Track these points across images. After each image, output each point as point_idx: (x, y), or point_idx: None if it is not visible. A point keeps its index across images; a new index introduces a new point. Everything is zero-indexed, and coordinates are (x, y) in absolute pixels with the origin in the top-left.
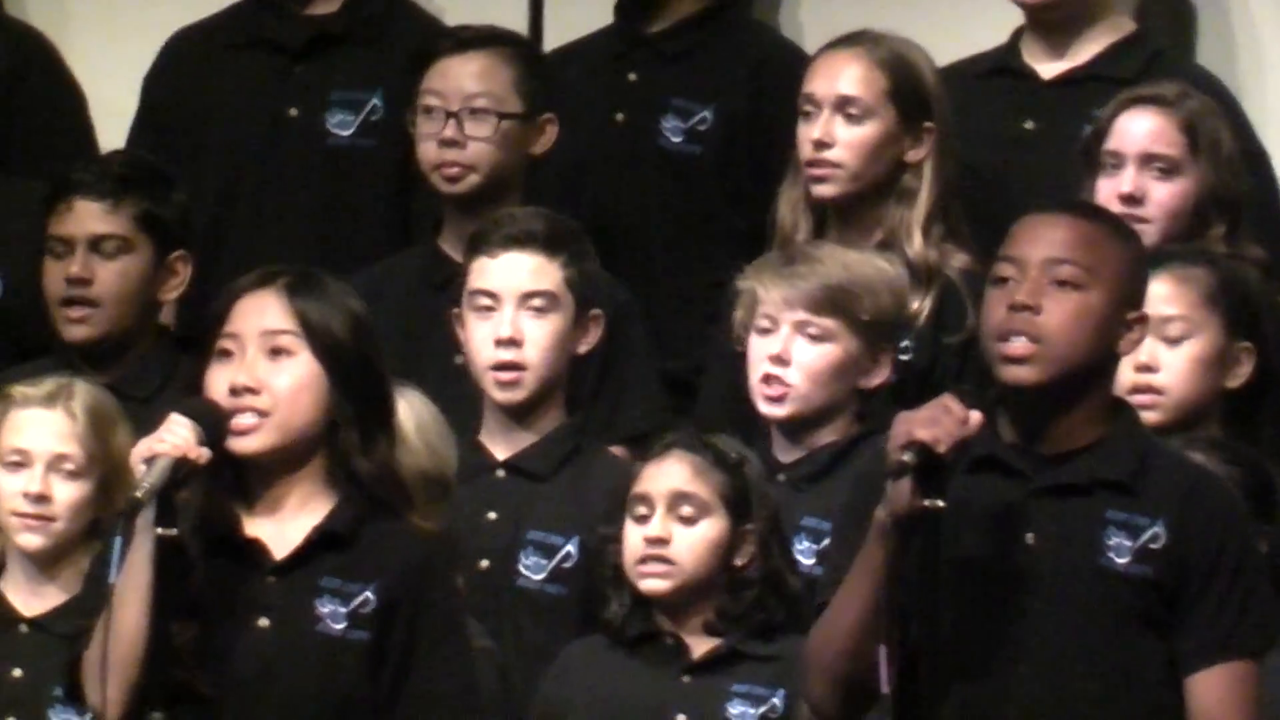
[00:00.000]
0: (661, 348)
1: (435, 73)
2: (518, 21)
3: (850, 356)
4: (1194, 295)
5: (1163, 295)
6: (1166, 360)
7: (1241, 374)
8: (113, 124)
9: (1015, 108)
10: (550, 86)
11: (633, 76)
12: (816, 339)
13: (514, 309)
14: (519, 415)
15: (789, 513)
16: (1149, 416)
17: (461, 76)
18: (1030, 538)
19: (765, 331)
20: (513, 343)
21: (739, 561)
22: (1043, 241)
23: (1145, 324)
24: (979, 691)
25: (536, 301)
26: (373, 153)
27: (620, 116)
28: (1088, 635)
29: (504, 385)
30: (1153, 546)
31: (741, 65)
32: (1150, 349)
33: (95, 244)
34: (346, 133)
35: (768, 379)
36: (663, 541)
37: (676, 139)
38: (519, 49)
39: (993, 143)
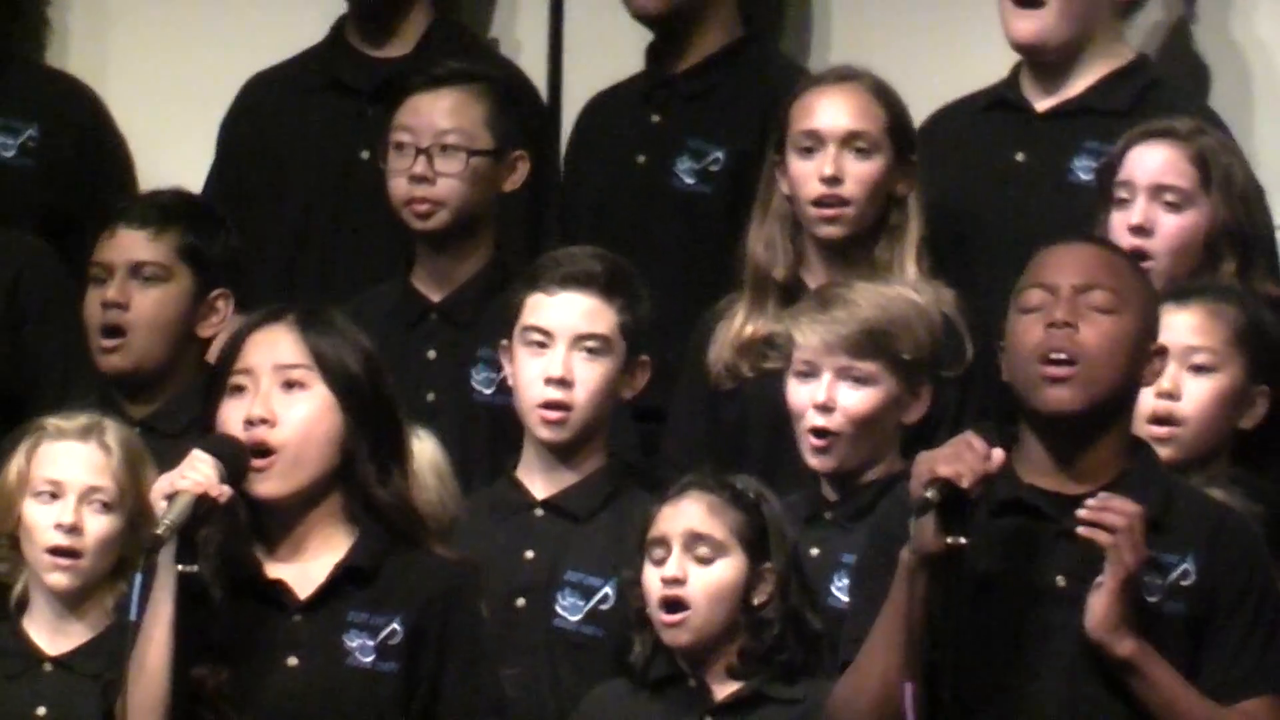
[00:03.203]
0: (668, 382)
1: (407, 109)
2: (538, 63)
3: (892, 396)
4: (1224, 331)
5: (1193, 326)
6: (1190, 390)
7: (1256, 415)
8: (149, 168)
9: (1007, 140)
10: (535, 120)
11: (656, 118)
12: (860, 382)
13: (567, 349)
14: (562, 455)
15: (833, 550)
16: (1164, 450)
17: (433, 113)
18: (1060, 580)
19: (805, 376)
20: (564, 383)
21: (758, 600)
22: (1071, 268)
23: (1165, 357)
24: None
25: (590, 344)
26: None
27: (641, 158)
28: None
29: (550, 424)
30: (1183, 584)
31: (753, 104)
32: (1174, 376)
33: (134, 270)
34: None
35: (817, 433)
36: (678, 582)
37: (689, 180)
38: (492, 86)
39: (983, 175)
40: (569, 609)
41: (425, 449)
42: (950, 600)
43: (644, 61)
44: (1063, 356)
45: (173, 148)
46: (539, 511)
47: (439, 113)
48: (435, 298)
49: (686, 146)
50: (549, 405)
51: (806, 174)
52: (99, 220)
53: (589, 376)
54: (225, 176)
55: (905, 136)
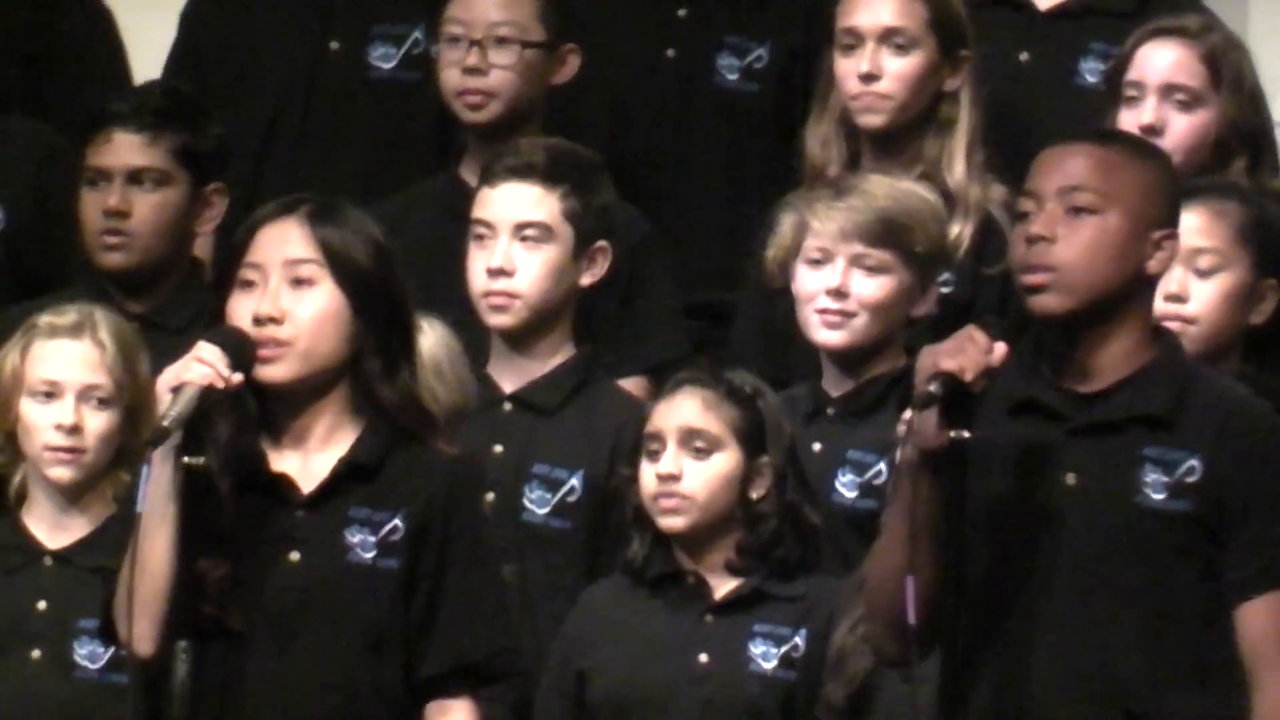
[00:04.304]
0: (709, 283)
1: (459, 2)
2: None
3: (904, 287)
4: (1227, 230)
5: (1195, 227)
6: (1197, 291)
7: (1265, 310)
8: (146, 53)
9: (1011, 40)
10: (572, 17)
11: (682, 13)
12: (874, 271)
13: (508, 239)
14: (518, 344)
15: (837, 446)
16: None
17: (486, 5)
18: (1070, 478)
19: (818, 264)
20: (502, 273)
21: (754, 494)
22: (1057, 172)
23: (1176, 241)
24: (1017, 628)
25: (530, 232)
26: (415, 86)
27: (671, 53)
28: (1125, 573)
29: (494, 309)
30: (1189, 480)
31: (795, 2)
32: (1180, 279)
33: (134, 176)
34: (389, 65)
35: (825, 311)
36: (674, 478)
37: (732, 77)
38: None
39: (989, 75)
40: (536, 502)
41: (437, 340)
42: (953, 493)
43: None
44: (1040, 268)
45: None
46: (507, 406)
47: (492, 5)
48: None
49: (725, 43)
50: (492, 295)
51: (847, 71)
52: (91, 113)
53: (529, 264)
54: (185, 66)
55: (953, 31)
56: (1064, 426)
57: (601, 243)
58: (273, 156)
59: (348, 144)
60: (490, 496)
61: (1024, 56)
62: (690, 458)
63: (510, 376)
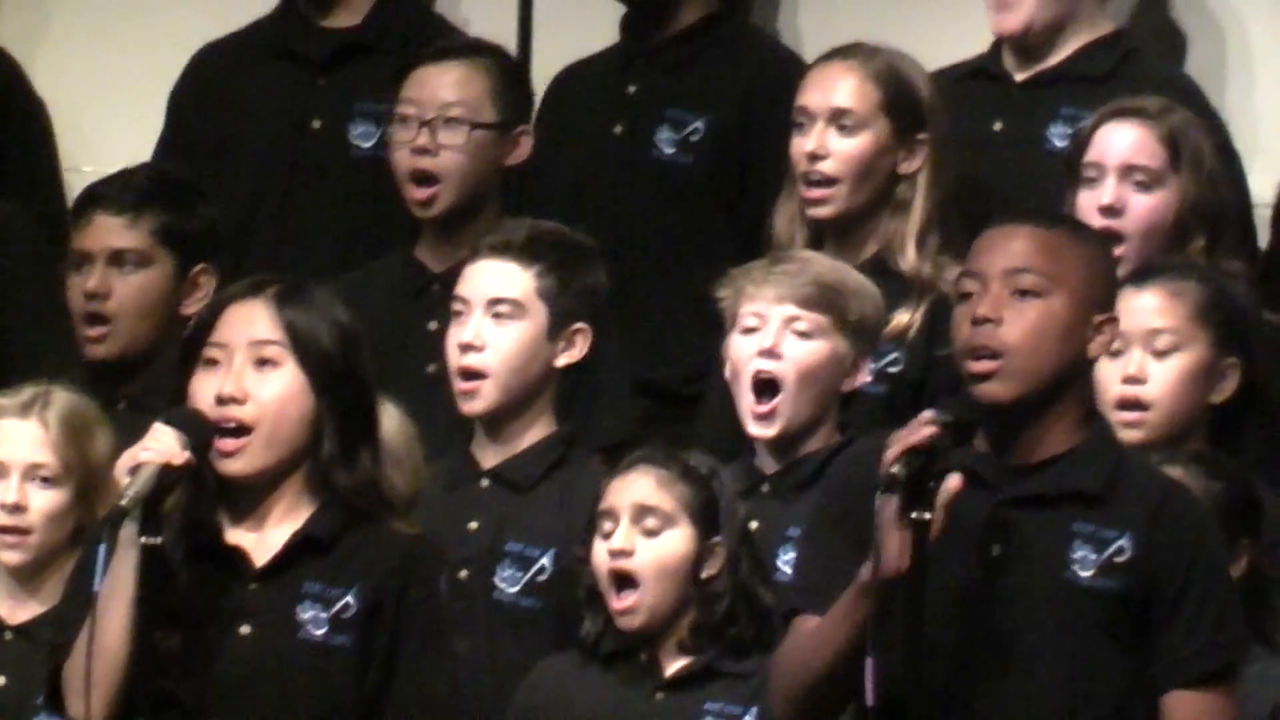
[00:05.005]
0: (651, 357)
1: (412, 81)
2: (507, 38)
3: (837, 355)
4: (1184, 309)
5: (1153, 308)
6: (1155, 373)
7: (1227, 389)
8: (95, 138)
9: (986, 110)
10: (529, 99)
11: (632, 88)
12: (806, 335)
13: (480, 314)
14: (494, 426)
15: (774, 524)
16: (1134, 434)
17: (438, 85)
18: (996, 549)
19: (751, 330)
20: (472, 348)
21: (706, 574)
22: (1001, 253)
23: (1115, 325)
24: (949, 702)
25: (501, 308)
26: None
27: (619, 129)
28: (1052, 649)
29: (463, 395)
30: (1118, 560)
31: (736, 75)
32: (1139, 361)
33: (114, 258)
34: (369, 144)
35: (759, 378)
36: (625, 554)
37: (669, 150)
38: (497, 60)
39: (964, 145)
40: (508, 580)
41: (389, 422)
42: (916, 574)
43: (618, 34)
44: (985, 352)
45: (122, 118)
46: (484, 482)
47: (444, 85)
48: (438, 269)
49: (665, 117)
50: (463, 373)
51: (797, 149)
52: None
53: (500, 340)
54: (175, 147)
55: (908, 114)
56: (996, 498)
57: (580, 324)
58: (254, 234)
59: (328, 222)
60: (464, 573)
61: (997, 126)
62: (641, 535)
63: (490, 453)
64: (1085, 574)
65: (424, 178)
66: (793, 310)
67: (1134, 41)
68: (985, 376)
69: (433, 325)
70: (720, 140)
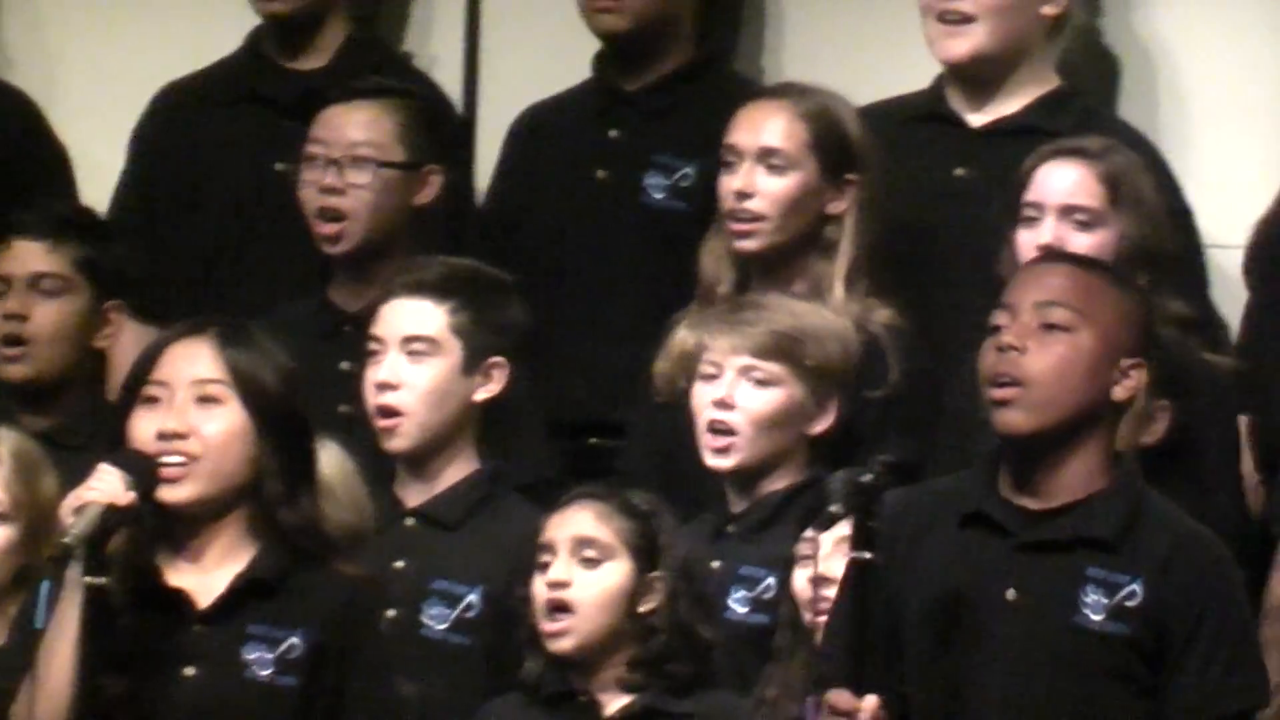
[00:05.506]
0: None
1: (321, 121)
2: (452, 82)
3: (795, 402)
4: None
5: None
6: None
7: (1157, 431)
8: (102, 182)
9: (945, 155)
10: (445, 140)
11: (614, 133)
12: (762, 384)
13: (395, 353)
14: (416, 464)
15: (732, 563)
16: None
17: (346, 125)
18: (1010, 594)
19: (710, 379)
20: (387, 386)
21: (644, 608)
22: (1035, 286)
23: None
24: None
25: (416, 345)
26: None
27: (601, 174)
28: (1062, 693)
29: (384, 433)
30: (1129, 605)
31: (719, 121)
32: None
33: (34, 282)
34: None
35: (714, 428)
36: (563, 585)
37: (659, 195)
38: (408, 101)
39: (923, 191)
40: (436, 618)
41: (324, 459)
42: (863, 611)
43: (590, 74)
44: (1007, 380)
45: (118, 158)
46: (409, 521)
47: (352, 125)
48: (351, 309)
49: (653, 162)
50: (382, 411)
51: (725, 187)
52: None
53: (416, 378)
54: (137, 186)
55: (838, 155)
56: (1011, 542)
57: (497, 359)
58: (220, 279)
59: (291, 265)
60: (392, 613)
61: (959, 172)
62: (580, 566)
63: (414, 492)
64: (1096, 618)
65: (332, 216)
66: (748, 360)
67: (1089, 99)
68: (1005, 404)
69: (345, 365)
70: (712, 186)
